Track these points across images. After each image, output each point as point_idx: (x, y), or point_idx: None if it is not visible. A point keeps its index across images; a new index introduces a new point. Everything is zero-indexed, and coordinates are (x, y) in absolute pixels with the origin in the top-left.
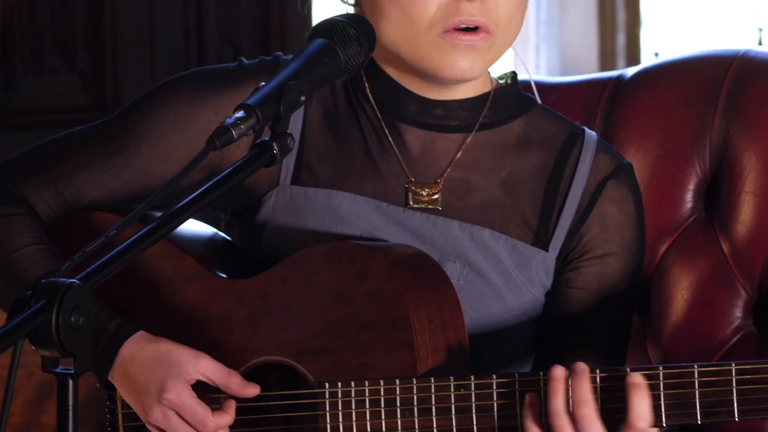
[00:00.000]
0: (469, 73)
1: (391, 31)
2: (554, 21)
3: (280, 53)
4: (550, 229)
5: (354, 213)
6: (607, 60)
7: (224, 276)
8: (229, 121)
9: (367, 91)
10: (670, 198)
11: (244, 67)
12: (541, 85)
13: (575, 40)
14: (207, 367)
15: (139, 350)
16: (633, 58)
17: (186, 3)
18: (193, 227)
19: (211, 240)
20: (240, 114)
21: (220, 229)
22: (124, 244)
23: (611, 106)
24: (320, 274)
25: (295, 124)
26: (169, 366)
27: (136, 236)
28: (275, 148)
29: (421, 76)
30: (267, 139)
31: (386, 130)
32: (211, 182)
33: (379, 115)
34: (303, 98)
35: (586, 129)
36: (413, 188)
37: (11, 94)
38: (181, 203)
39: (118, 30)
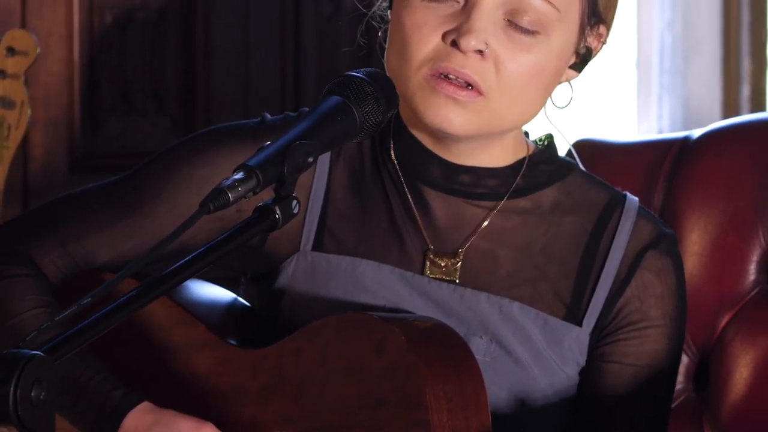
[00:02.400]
0: (456, 127)
1: (392, 61)
2: (677, 71)
3: (306, 109)
4: (585, 302)
5: (378, 282)
6: (730, 111)
7: (238, 345)
8: (226, 183)
9: (391, 151)
10: (732, 269)
11: (266, 123)
12: (602, 145)
13: (699, 91)
14: None
15: (142, 422)
16: (758, 109)
17: (283, 45)
18: (210, 292)
19: (228, 307)
20: (239, 175)
21: (239, 295)
22: (97, 314)
23: (674, 170)
24: (335, 346)
25: (319, 185)
26: None
27: (111, 306)
28: (277, 212)
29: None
30: (270, 202)
31: (409, 195)
32: (204, 247)
33: (402, 177)
34: (311, 159)
35: (628, 195)
36: (431, 257)
37: (99, 135)
38: (170, 269)
39: (211, 72)
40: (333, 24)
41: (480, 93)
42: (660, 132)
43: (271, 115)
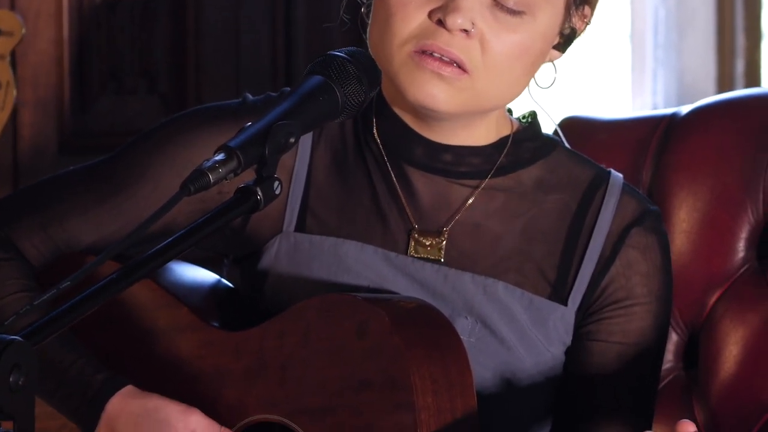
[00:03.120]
0: (440, 103)
1: (375, 37)
2: (672, 46)
3: (288, 89)
4: (570, 281)
5: (361, 263)
6: (725, 86)
7: (221, 327)
8: (207, 164)
9: (374, 131)
10: (721, 246)
11: (247, 103)
12: (590, 122)
13: (693, 65)
14: (198, 424)
15: (126, 406)
16: (752, 83)
17: (274, 22)
18: (193, 274)
19: (212, 288)
20: (219, 156)
21: (222, 276)
22: (78, 297)
23: (662, 147)
24: (318, 328)
25: (301, 165)
26: (158, 423)
27: (92, 289)
28: (259, 193)
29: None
30: (251, 183)
31: (393, 174)
32: (184, 229)
33: (385, 157)
34: (292, 140)
35: (613, 171)
36: (416, 236)
37: (88, 114)
38: (151, 251)
39: (201, 50)
40: (324, 1)
41: (465, 71)
42: (655, 107)
43: (259, 94)
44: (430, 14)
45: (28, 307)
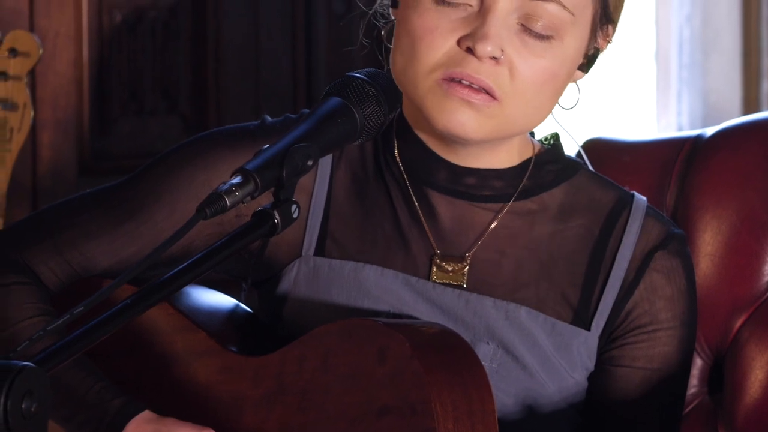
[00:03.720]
0: (469, 131)
1: (399, 63)
2: (697, 66)
3: (307, 110)
4: (593, 305)
5: (381, 287)
6: (751, 107)
7: (239, 353)
8: (223, 187)
9: (396, 153)
10: (746, 270)
11: (266, 125)
12: (613, 144)
13: (718, 86)
14: None
15: (142, 431)
16: None
17: (294, 42)
18: (211, 299)
19: (230, 313)
20: (236, 180)
21: (240, 300)
22: (92, 322)
23: (687, 169)
24: (338, 353)
25: (321, 189)
26: None
27: (107, 314)
28: (276, 217)
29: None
30: (268, 207)
31: (414, 198)
32: (201, 253)
33: (407, 181)
34: (310, 163)
35: (636, 194)
36: (438, 261)
37: (108, 136)
38: (168, 275)
39: (222, 70)
40: (345, 21)
41: (494, 98)
42: (679, 128)
43: (280, 115)
44: (459, 41)
45: (41, 332)
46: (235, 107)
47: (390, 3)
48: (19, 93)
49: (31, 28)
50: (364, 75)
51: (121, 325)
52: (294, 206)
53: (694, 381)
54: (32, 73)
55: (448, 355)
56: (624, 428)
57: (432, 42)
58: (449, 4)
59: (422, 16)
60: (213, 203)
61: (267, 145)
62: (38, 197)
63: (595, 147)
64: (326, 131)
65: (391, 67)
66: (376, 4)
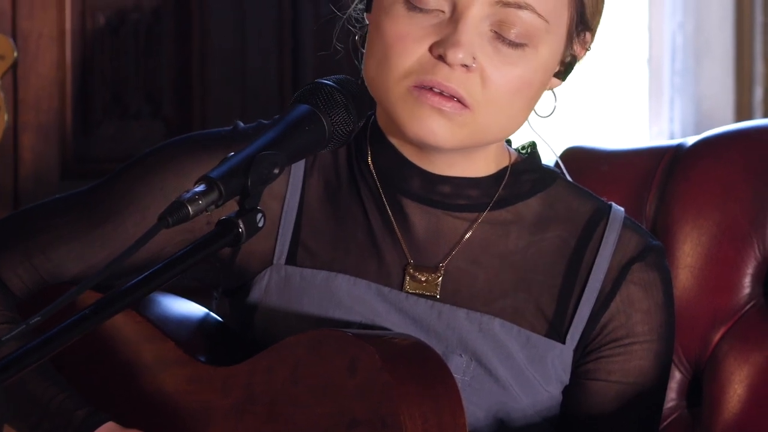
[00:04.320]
0: (440, 139)
1: (371, 69)
2: (689, 72)
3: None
4: (568, 318)
5: (353, 297)
6: (743, 114)
7: (208, 363)
8: (186, 195)
9: (369, 160)
10: (727, 282)
11: (238, 131)
12: (593, 153)
13: (711, 93)
14: None
15: None
16: None
17: (281, 47)
18: (181, 307)
19: (200, 322)
20: (199, 188)
21: (211, 309)
22: (52, 331)
23: (667, 179)
24: (307, 364)
25: (293, 196)
26: None
27: (65, 323)
28: (240, 226)
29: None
30: (233, 215)
31: (388, 206)
32: (162, 263)
33: (380, 188)
34: (276, 171)
35: (614, 205)
36: (411, 271)
37: (91, 139)
38: (130, 283)
39: (207, 74)
40: (332, 26)
41: (465, 106)
42: (672, 135)
43: (267, 119)
44: (431, 48)
45: None
46: (220, 111)
47: (364, 7)
48: None
49: (14, 30)
50: (333, 82)
51: (84, 333)
52: (259, 215)
53: (672, 394)
54: (14, 75)
55: (419, 367)
56: None
57: (404, 48)
58: (421, 11)
59: (394, 22)
60: (175, 212)
61: (232, 153)
62: (19, 200)
63: (574, 156)
64: (293, 139)
65: (363, 73)
66: (351, 8)
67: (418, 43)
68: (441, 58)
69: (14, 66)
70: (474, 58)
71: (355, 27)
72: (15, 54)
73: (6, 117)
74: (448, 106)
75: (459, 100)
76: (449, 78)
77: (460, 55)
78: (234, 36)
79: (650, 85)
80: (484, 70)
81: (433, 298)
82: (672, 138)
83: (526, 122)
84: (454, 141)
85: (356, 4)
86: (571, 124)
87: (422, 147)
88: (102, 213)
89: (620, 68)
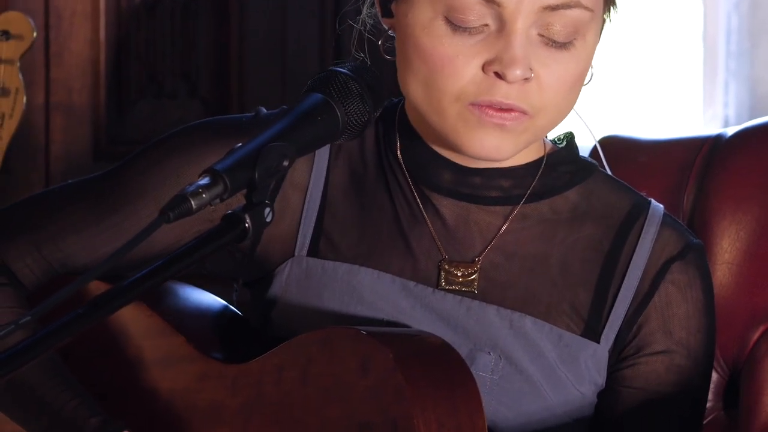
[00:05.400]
0: (496, 153)
1: (418, 90)
2: (745, 54)
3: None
4: (604, 317)
5: (377, 293)
6: None
7: (220, 359)
8: (190, 188)
9: (398, 153)
10: (766, 279)
11: (260, 117)
12: (630, 143)
13: (767, 75)
14: None
15: None
16: None
17: (322, 23)
18: (198, 300)
19: (217, 316)
20: (204, 181)
21: (232, 302)
22: (44, 330)
23: (705, 171)
24: (319, 363)
25: (316, 185)
26: None
27: (63, 320)
28: (247, 221)
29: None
30: (239, 209)
31: (418, 200)
32: (167, 258)
33: (409, 181)
34: (286, 163)
35: (653, 201)
36: (447, 267)
37: (125, 119)
38: (128, 281)
39: (245, 52)
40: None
41: (525, 113)
42: (726, 119)
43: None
44: (485, 67)
45: None
46: (259, 92)
47: (380, 12)
48: (12, 78)
49: (46, 7)
50: (349, 70)
51: (89, 326)
52: (267, 209)
53: (709, 395)
54: (46, 54)
55: (437, 368)
56: None
57: (454, 70)
58: (468, 32)
59: (439, 43)
60: (177, 206)
61: (239, 144)
62: (51, 182)
63: (610, 145)
64: (304, 129)
65: (403, 89)
66: (363, 12)
67: (469, 64)
68: (498, 75)
69: (46, 44)
70: (531, 69)
71: (364, 29)
72: (34, 34)
73: (25, 99)
74: (510, 121)
75: (519, 111)
76: (509, 95)
77: (518, 72)
78: (273, 13)
79: (705, 68)
80: (540, 78)
81: (470, 294)
82: (726, 123)
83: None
84: (516, 149)
85: (367, 8)
86: (623, 108)
87: (476, 160)
88: (114, 202)
89: (675, 52)
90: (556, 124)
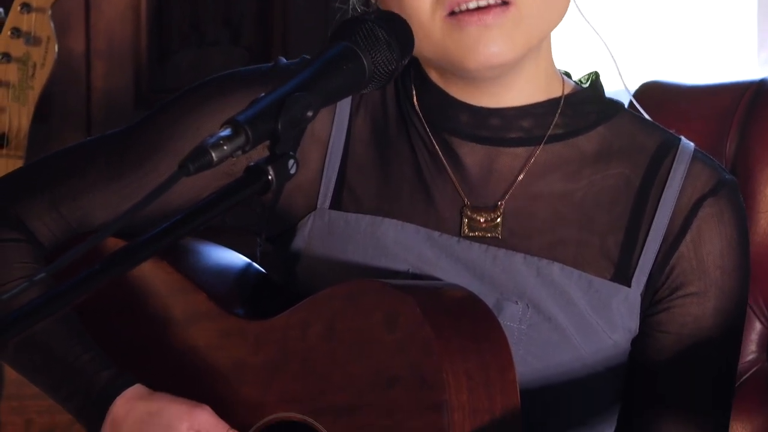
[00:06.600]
0: (497, 56)
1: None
2: None
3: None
4: (634, 259)
5: (401, 244)
6: None
7: (242, 316)
8: (210, 140)
9: (414, 101)
10: None
11: (279, 67)
12: (671, 88)
13: None
14: (205, 423)
15: (131, 409)
16: None
17: None
18: (220, 257)
19: (240, 273)
20: (225, 132)
21: (256, 259)
22: (59, 288)
23: (748, 116)
24: (344, 318)
25: (338, 137)
26: (161, 428)
27: (80, 276)
28: (270, 173)
29: (459, 75)
30: (262, 161)
31: (437, 147)
32: (186, 212)
33: (428, 129)
34: (310, 114)
35: (683, 138)
36: (469, 213)
37: (166, 67)
38: (146, 236)
39: (290, 0)
40: None
41: (505, 4)
42: None
43: None
44: None
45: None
46: (302, 37)
47: None
48: (43, 26)
49: None
50: (375, 16)
51: (106, 282)
52: (291, 161)
53: (752, 347)
54: (86, 0)
55: (465, 320)
56: (674, 400)
57: None
58: None
59: None
60: (197, 158)
61: (263, 94)
62: (92, 129)
63: (651, 91)
64: (329, 79)
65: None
66: None
67: None
68: None
69: None
70: None
71: None
72: None
73: (56, 48)
74: (491, 18)
75: (495, 5)
76: None
77: None
78: None
79: (759, 7)
80: None
81: (494, 239)
82: None
83: (608, 51)
84: (516, 48)
85: None
86: (674, 52)
87: (486, 74)
88: (134, 158)
89: None
90: (550, 18)
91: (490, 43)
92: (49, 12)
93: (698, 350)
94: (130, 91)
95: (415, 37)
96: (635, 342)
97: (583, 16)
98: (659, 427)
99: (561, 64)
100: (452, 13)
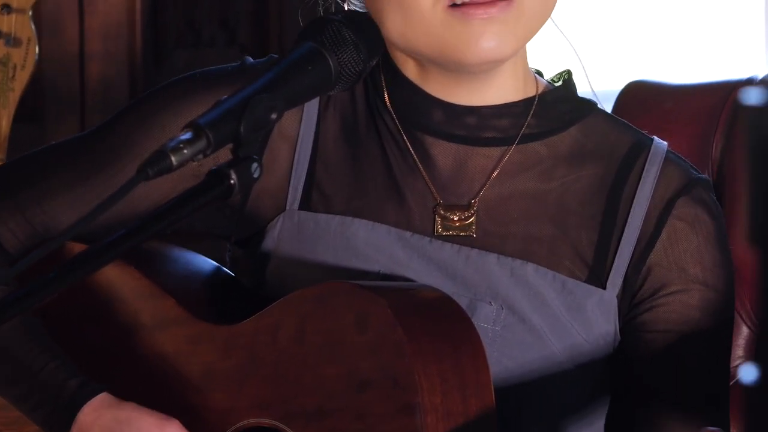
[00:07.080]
0: (498, 51)
1: (397, 23)
2: None
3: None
4: (609, 261)
5: (372, 245)
6: None
7: (210, 321)
8: (170, 144)
9: (386, 98)
10: None
11: (245, 66)
12: (657, 88)
13: None
14: None
15: (98, 417)
16: None
17: None
18: (189, 262)
19: (209, 278)
20: (186, 135)
21: (225, 261)
22: (18, 292)
23: (734, 117)
24: (315, 320)
25: (307, 136)
26: None
27: (34, 284)
28: (233, 177)
29: (449, 69)
30: (224, 165)
31: (409, 145)
32: (147, 216)
33: (399, 126)
34: (274, 116)
35: (656, 138)
36: (442, 212)
37: (162, 68)
38: (107, 241)
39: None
40: None
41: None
42: None
43: None
44: None
45: None
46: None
47: None
48: (23, 27)
49: None
50: (342, 17)
51: (66, 287)
52: (255, 165)
53: (739, 351)
54: (80, 1)
55: (438, 322)
56: (669, 400)
57: None
58: None
59: None
60: (156, 162)
61: (225, 96)
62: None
63: (637, 91)
64: (294, 80)
65: (383, 29)
66: None
67: None
68: None
69: None
70: None
71: None
72: None
73: (37, 49)
74: (496, 11)
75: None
76: None
77: None
78: None
79: (767, 7)
80: None
81: (469, 239)
82: None
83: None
84: (515, 43)
85: None
86: (682, 53)
87: (482, 68)
88: (99, 160)
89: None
90: (547, 12)
91: (493, 37)
92: (30, 13)
93: (687, 345)
94: (125, 93)
95: (410, 29)
96: (623, 346)
97: (551, 19)
98: (652, 424)
99: (532, 62)
100: (454, 5)
